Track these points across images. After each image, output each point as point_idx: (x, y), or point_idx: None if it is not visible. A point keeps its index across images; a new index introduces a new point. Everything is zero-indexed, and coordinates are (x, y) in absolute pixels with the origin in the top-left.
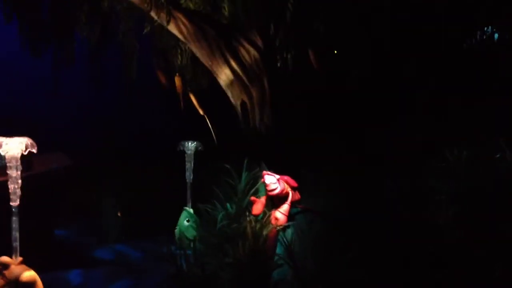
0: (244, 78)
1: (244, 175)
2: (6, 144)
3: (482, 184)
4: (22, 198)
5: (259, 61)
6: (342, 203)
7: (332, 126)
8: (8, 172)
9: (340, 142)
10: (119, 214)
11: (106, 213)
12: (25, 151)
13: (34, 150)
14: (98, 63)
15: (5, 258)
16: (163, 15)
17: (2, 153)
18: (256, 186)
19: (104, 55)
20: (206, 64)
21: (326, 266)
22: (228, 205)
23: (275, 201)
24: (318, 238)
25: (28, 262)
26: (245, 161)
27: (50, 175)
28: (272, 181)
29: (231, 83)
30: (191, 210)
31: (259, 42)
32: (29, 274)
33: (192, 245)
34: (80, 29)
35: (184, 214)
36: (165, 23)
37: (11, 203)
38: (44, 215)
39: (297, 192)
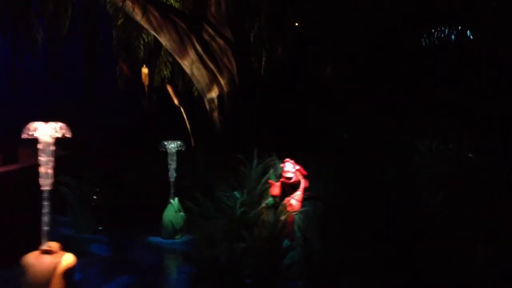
0: (215, 69)
1: (255, 163)
2: (39, 128)
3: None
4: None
5: (229, 53)
6: (338, 189)
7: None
8: (39, 157)
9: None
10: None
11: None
12: (60, 135)
13: (68, 135)
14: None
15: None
16: (137, 8)
17: (38, 137)
18: (268, 175)
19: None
20: (176, 56)
21: (331, 247)
22: (237, 193)
23: (286, 188)
24: (321, 222)
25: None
26: (255, 151)
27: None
28: (291, 169)
29: (201, 75)
30: (177, 203)
31: (229, 36)
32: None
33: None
34: (48, 18)
35: (170, 206)
36: (137, 16)
37: (42, 188)
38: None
39: (306, 180)
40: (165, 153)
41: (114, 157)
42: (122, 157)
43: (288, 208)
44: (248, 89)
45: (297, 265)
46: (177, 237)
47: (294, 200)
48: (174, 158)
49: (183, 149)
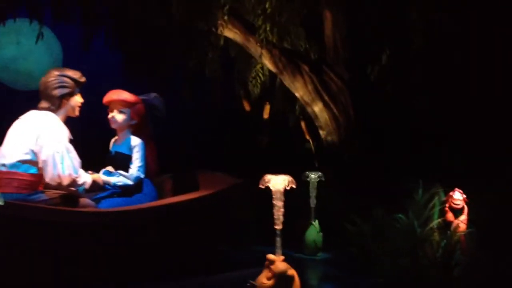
0: (333, 106)
1: (421, 191)
2: (273, 180)
3: None
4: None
5: (345, 92)
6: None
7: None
8: (273, 202)
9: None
10: None
11: None
12: (287, 186)
13: (294, 186)
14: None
15: (272, 256)
16: (265, 53)
17: (271, 188)
18: (434, 201)
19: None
20: (297, 95)
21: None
22: (402, 215)
23: (453, 213)
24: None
25: None
26: (420, 181)
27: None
28: (459, 198)
29: (320, 111)
30: (318, 224)
31: (346, 76)
32: (292, 270)
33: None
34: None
35: (312, 227)
36: (265, 60)
37: (275, 227)
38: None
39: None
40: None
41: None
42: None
43: (459, 230)
44: (364, 126)
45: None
46: (318, 254)
47: (461, 222)
48: (315, 186)
49: (323, 179)
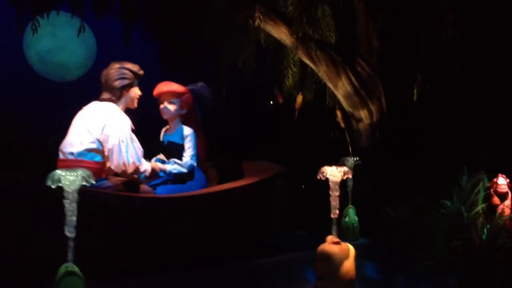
0: (365, 96)
1: (464, 177)
2: (330, 171)
3: None
4: None
5: (378, 82)
6: None
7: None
8: (330, 192)
9: None
10: None
11: None
12: (344, 177)
13: (350, 176)
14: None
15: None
16: (300, 45)
17: (329, 178)
18: (478, 187)
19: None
20: (331, 85)
21: None
22: (447, 201)
23: (498, 197)
24: None
25: None
26: (464, 168)
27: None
28: (503, 182)
29: (352, 101)
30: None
31: (378, 67)
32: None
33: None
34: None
35: (351, 210)
36: (300, 51)
37: (331, 215)
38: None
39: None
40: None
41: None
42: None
43: (504, 214)
44: (396, 115)
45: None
46: (357, 239)
47: (506, 207)
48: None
49: (360, 163)
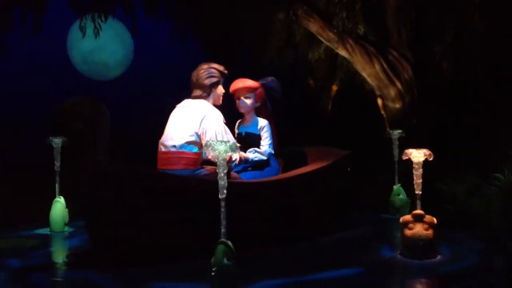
0: (398, 83)
1: None
2: (413, 153)
3: None
4: None
5: (409, 70)
6: None
7: None
8: (414, 172)
9: None
10: None
11: None
12: (426, 157)
13: (431, 158)
14: None
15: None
16: (335, 37)
17: (413, 159)
18: None
19: None
20: (365, 75)
21: None
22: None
23: None
24: None
25: None
26: None
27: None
28: None
29: (385, 88)
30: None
31: (410, 56)
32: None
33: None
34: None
35: (400, 188)
36: (335, 43)
37: (416, 192)
38: None
39: None
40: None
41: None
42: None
43: None
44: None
45: None
46: (397, 215)
47: None
48: (397, 143)
49: (404, 135)
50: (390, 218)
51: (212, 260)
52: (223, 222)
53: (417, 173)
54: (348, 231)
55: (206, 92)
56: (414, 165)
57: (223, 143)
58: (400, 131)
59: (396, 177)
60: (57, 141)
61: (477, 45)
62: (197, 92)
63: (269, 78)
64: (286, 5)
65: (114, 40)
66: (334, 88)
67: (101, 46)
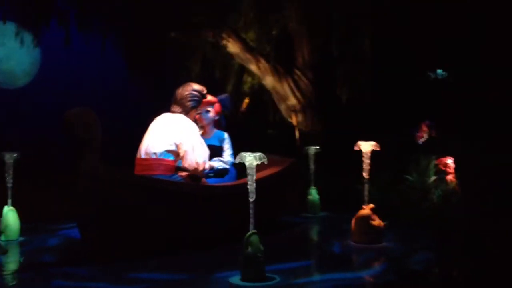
0: (302, 100)
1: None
2: (363, 145)
3: None
4: None
5: (311, 88)
6: None
7: None
8: (363, 159)
9: None
10: None
11: None
12: (373, 148)
13: (378, 149)
14: None
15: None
16: (252, 58)
17: (362, 150)
18: (430, 165)
19: None
20: (272, 91)
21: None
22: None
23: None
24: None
25: None
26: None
27: None
28: (450, 162)
29: (292, 104)
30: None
31: (311, 76)
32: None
33: None
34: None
35: (313, 190)
36: (251, 65)
37: (363, 174)
38: None
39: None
40: None
41: None
42: None
43: (450, 182)
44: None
45: None
46: (319, 213)
47: (450, 177)
48: (313, 158)
49: (320, 151)
50: (310, 216)
51: (249, 249)
52: (252, 218)
53: (366, 161)
54: (283, 230)
55: (185, 111)
56: (363, 154)
57: (252, 155)
58: (318, 147)
59: (312, 181)
60: (8, 157)
61: (368, 69)
62: (177, 109)
63: (223, 95)
64: (211, 28)
65: (20, 49)
66: (246, 101)
67: (8, 55)
